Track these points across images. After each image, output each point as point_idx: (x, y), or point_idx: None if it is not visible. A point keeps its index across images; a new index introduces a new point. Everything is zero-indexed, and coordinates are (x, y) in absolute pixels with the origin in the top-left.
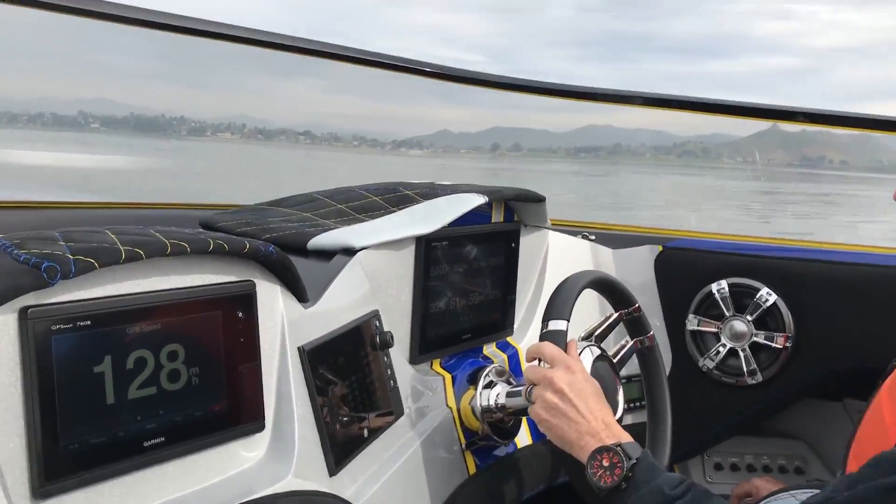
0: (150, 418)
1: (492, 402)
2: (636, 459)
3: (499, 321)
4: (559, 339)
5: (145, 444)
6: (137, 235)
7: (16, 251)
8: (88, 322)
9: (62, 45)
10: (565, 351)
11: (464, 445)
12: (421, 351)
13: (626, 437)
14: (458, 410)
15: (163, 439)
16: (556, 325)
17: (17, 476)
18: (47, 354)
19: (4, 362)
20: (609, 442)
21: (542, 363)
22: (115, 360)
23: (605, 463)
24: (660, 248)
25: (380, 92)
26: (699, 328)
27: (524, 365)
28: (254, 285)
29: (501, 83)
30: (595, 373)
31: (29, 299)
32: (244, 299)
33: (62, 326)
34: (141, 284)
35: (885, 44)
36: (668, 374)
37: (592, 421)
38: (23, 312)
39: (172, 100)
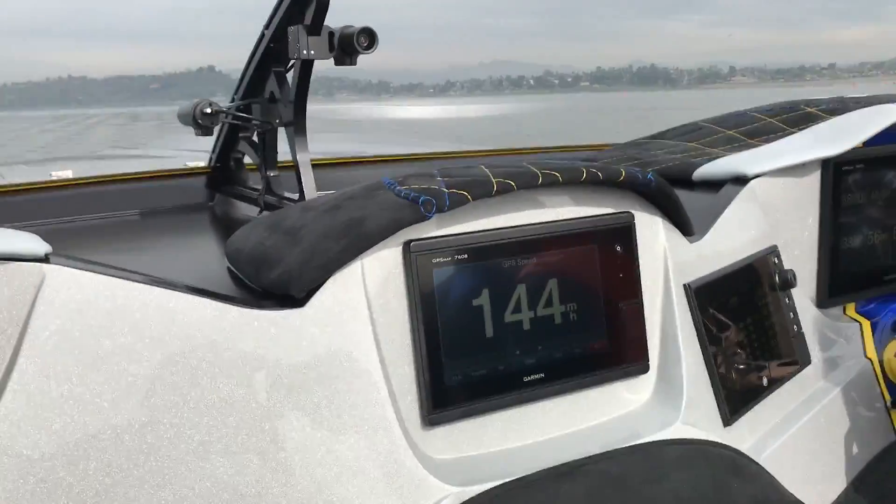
0: (528, 353)
1: None
2: None
3: None
4: None
5: (525, 379)
6: (510, 167)
7: (398, 188)
8: (465, 255)
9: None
10: None
11: (888, 403)
12: (831, 293)
13: None
14: (881, 362)
15: (542, 375)
16: None
17: (408, 403)
18: (430, 286)
19: (394, 294)
20: None
21: None
22: (493, 294)
23: None
24: None
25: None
26: None
27: None
28: (632, 217)
29: None
30: None
31: (410, 233)
32: (622, 232)
33: (442, 259)
34: (514, 218)
35: None
36: None
37: None
38: (406, 246)
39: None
